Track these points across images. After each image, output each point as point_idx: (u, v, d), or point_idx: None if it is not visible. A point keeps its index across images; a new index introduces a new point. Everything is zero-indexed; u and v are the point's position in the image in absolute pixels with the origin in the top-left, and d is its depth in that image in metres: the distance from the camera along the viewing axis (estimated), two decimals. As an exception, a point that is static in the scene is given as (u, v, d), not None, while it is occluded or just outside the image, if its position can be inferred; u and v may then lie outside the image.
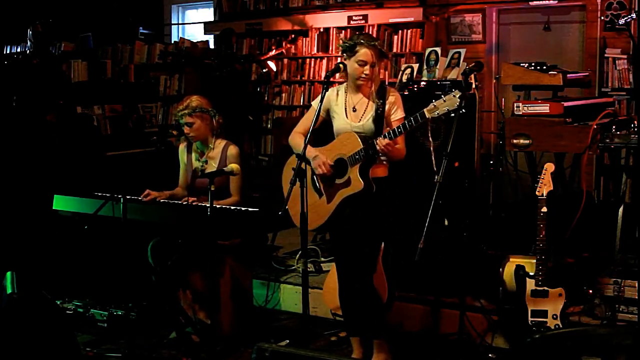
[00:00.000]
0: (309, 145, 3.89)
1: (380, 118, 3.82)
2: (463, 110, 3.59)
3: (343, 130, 3.91)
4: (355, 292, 3.96)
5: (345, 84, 3.98)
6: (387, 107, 3.85)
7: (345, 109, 3.93)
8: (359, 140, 3.78)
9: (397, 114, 3.87)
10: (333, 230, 4.05)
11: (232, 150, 4.57)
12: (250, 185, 6.26)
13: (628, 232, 4.28)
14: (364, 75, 3.81)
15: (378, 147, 3.68)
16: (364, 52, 3.79)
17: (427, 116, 3.62)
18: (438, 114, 3.59)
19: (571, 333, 2.86)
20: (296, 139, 4.01)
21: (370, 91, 3.89)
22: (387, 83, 4.37)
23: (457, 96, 3.54)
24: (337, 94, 3.98)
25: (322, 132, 4.02)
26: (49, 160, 5.80)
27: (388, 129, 3.78)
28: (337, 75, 3.98)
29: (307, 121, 4.02)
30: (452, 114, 3.60)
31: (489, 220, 5.21)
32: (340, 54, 3.97)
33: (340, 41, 4.16)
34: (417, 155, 4.50)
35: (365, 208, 3.83)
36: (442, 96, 3.60)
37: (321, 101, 3.85)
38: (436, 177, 3.62)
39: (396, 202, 3.97)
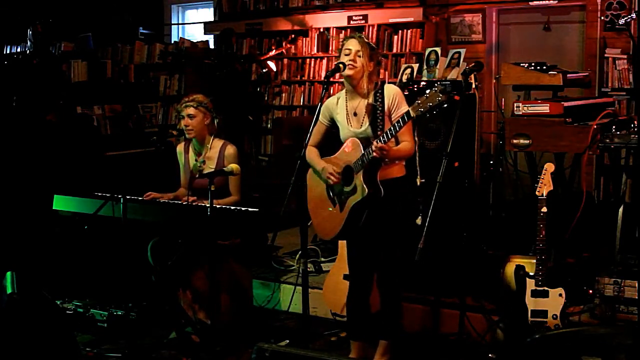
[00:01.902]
0: (318, 157, 3.96)
1: (381, 118, 3.80)
2: (445, 105, 3.53)
3: (347, 137, 3.90)
4: (364, 297, 3.98)
5: (344, 89, 3.96)
6: (386, 104, 3.79)
7: (347, 115, 3.91)
8: (361, 146, 3.76)
9: (399, 110, 3.77)
10: (349, 234, 4.04)
11: (230, 150, 4.57)
12: (249, 185, 6.26)
13: (628, 232, 4.27)
14: (350, 63, 3.78)
15: (374, 153, 3.64)
16: (348, 42, 3.84)
17: (412, 114, 3.57)
18: (422, 111, 3.53)
19: (571, 333, 2.87)
20: (308, 153, 4.01)
21: (366, 91, 3.83)
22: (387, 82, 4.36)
23: (439, 91, 3.49)
24: (337, 101, 3.96)
25: (334, 139, 4.02)
26: (49, 160, 5.80)
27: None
28: (337, 75, 3.97)
29: (314, 133, 3.99)
30: (435, 111, 3.54)
31: (489, 220, 5.21)
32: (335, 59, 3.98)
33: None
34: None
35: (382, 211, 3.81)
36: (426, 92, 3.55)
37: (321, 101, 3.84)
38: (418, 179, 3.62)
39: (412, 200, 3.96)
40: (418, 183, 3.68)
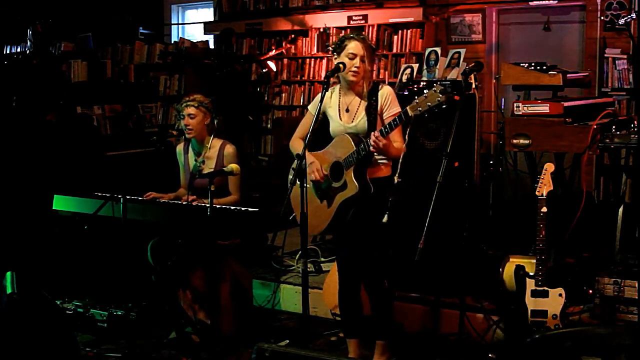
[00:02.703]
0: (307, 152, 3.91)
1: (373, 116, 3.79)
2: (444, 106, 3.52)
3: (338, 132, 3.90)
4: (355, 295, 3.98)
5: (338, 85, 3.96)
6: (379, 103, 3.79)
7: (339, 110, 3.91)
8: (352, 142, 3.76)
9: (391, 110, 3.78)
10: (336, 231, 4.05)
11: (229, 149, 4.57)
12: (249, 185, 6.26)
13: (628, 232, 4.27)
14: (354, 69, 3.76)
15: (372, 145, 3.63)
16: (353, 45, 3.78)
17: (410, 114, 3.57)
18: (421, 110, 3.52)
19: (571, 333, 2.86)
20: (295, 144, 4.01)
21: (362, 90, 3.83)
22: (386, 83, 4.36)
23: (439, 91, 3.48)
24: (331, 96, 3.96)
25: (322, 134, 4.02)
26: (49, 160, 5.80)
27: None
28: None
29: (305, 126, 4.00)
30: (436, 110, 3.53)
31: (489, 220, 5.21)
32: (331, 53, 3.94)
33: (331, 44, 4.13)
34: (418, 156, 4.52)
35: (368, 209, 3.82)
36: (425, 92, 3.54)
37: (321, 101, 3.83)
38: (395, 177, 3.63)
39: (400, 200, 3.96)
40: (395, 181, 3.69)
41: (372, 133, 3.65)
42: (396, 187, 3.70)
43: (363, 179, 3.77)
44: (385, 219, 3.68)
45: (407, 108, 3.59)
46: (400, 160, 3.73)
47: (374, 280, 3.91)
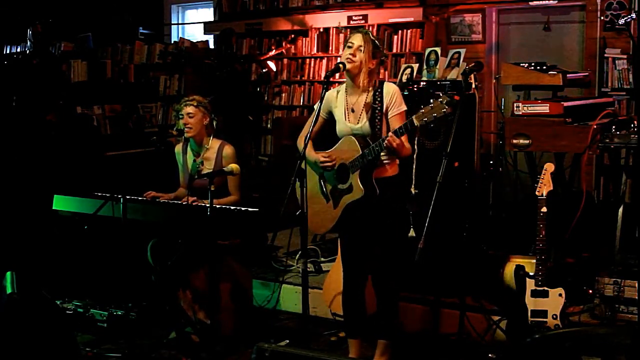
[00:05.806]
0: (313, 150, 3.94)
1: (378, 117, 3.80)
2: (450, 117, 3.54)
3: (344, 133, 3.89)
4: (359, 294, 3.98)
5: (344, 84, 3.96)
6: (385, 102, 3.79)
7: (345, 110, 3.92)
8: (358, 145, 3.77)
9: (394, 109, 3.78)
10: (342, 232, 4.05)
11: (228, 150, 4.58)
12: (249, 185, 6.26)
13: (628, 232, 4.27)
14: (349, 56, 3.78)
15: (385, 144, 3.64)
16: (353, 36, 3.84)
17: (415, 124, 3.59)
18: (426, 120, 3.55)
19: (571, 333, 2.86)
20: (301, 143, 4.01)
21: (365, 87, 3.82)
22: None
23: (445, 102, 3.50)
24: (337, 95, 3.96)
25: (328, 135, 4.02)
26: (49, 160, 5.80)
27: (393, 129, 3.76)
28: (337, 75, 3.97)
29: (310, 125, 4.01)
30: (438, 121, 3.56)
31: (489, 220, 5.21)
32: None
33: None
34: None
35: (374, 210, 3.82)
36: (431, 101, 3.56)
37: (320, 101, 3.84)
38: (412, 189, 3.64)
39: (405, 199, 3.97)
40: (412, 192, 3.68)
41: (390, 133, 3.65)
42: (414, 198, 3.69)
43: (369, 182, 3.77)
44: (411, 233, 3.69)
45: (413, 118, 3.61)
46: (414, 172, 3.72)
47: (380, 277, 3.91)
